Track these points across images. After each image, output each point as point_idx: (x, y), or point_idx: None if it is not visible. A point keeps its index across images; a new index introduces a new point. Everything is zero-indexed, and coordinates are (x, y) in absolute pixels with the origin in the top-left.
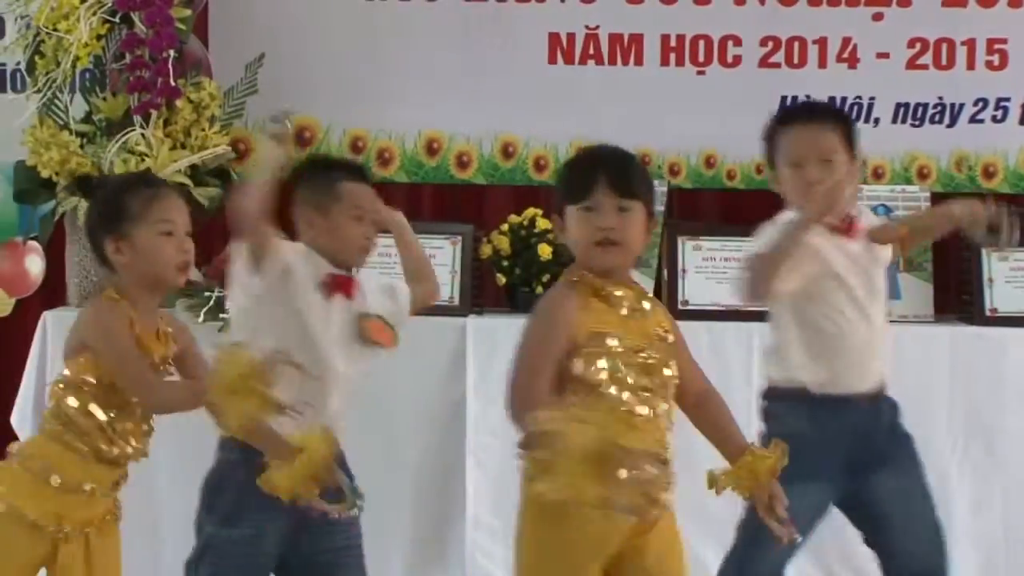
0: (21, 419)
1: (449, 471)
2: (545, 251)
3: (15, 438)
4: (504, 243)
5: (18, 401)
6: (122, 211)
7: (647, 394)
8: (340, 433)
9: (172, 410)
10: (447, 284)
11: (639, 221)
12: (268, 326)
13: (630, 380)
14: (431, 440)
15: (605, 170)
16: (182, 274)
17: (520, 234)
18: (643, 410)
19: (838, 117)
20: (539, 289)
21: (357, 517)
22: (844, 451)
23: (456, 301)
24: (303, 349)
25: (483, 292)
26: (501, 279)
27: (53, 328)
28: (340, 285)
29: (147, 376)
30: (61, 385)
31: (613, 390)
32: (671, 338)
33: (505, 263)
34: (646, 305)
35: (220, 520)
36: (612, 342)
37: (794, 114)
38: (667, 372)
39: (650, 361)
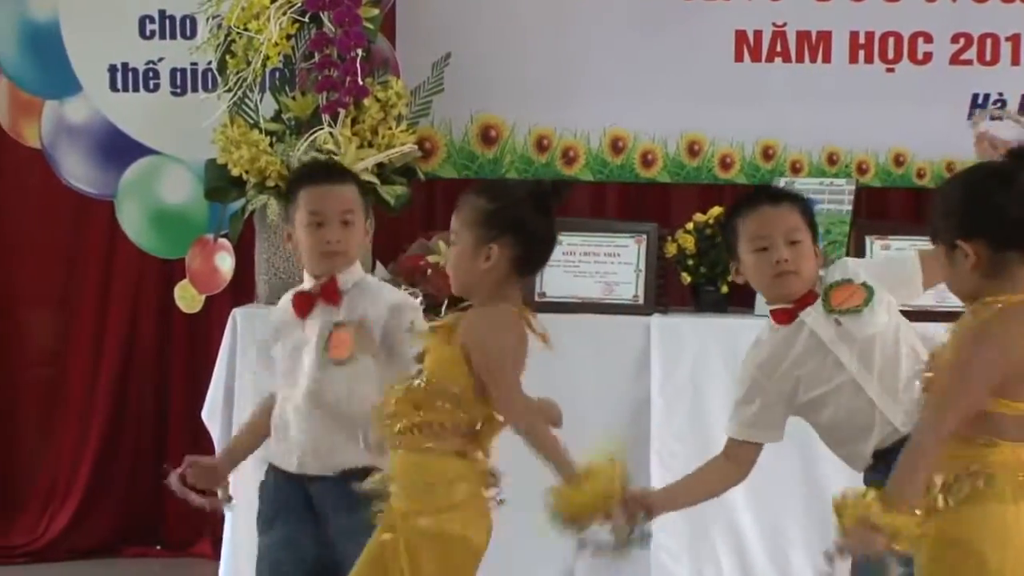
0: (211, 415)
1: (633, 470)
2: None
3: (207, 433)
4: (689, 242)
5: (208, 397)
6: None
7: None
8: (322, 457)
9: None
10: (631, 283)
11: None
12: None
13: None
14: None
15: None
16: None
17: (705, 233)
18: None
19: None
20: (724, 288)
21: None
22: None
23: (641, 300)
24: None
25: (668, 291)
26: (686, 278)
27: (243, 325)
28: (306, 301)
29: None
30: None
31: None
32: None
33: (690, 262)
34: None
35: (260, 528)
36: None
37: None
38: None
39: None
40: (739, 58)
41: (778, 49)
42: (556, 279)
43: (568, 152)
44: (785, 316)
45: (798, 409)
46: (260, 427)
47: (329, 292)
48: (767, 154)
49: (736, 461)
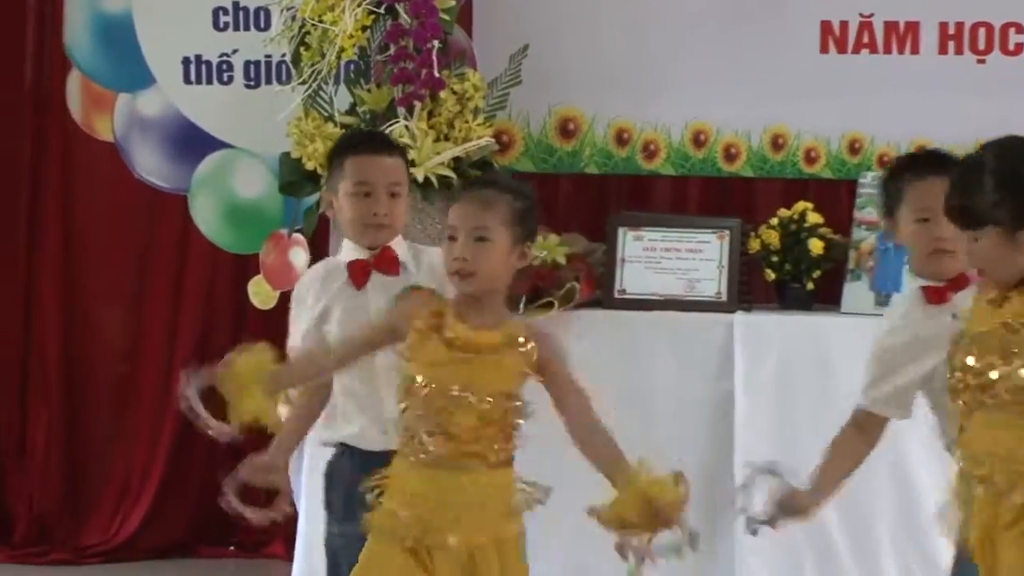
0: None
1: (716, 469)
2: (816, 246)
3: None
4: (773, 237)
5: None
6: None
7: None
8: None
9: None
10: (714, 279)
11: None
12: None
13: None
14: (698, 437)
15: None
16: None
17: (790, 228)
18: None
19: None
20: (809, 285)
21: None
22: None
23: (724, 297)
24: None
25: (752, 288)
26: (770, 275)
27: None
28: (364, 269)
29: None
30: None
31: None
32: None
33: (774, 258)
34: None
35: (334, 516)
36: None
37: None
38: None
39: None
40: (824, 49)
41: (865, 40)
42: (637, 275)
43: (649, 146)
44: (937, 296)
45: (931, 393)
46: (308, 411)
47: (386, 261)
48: (853, 148)
49: (866, 432)
